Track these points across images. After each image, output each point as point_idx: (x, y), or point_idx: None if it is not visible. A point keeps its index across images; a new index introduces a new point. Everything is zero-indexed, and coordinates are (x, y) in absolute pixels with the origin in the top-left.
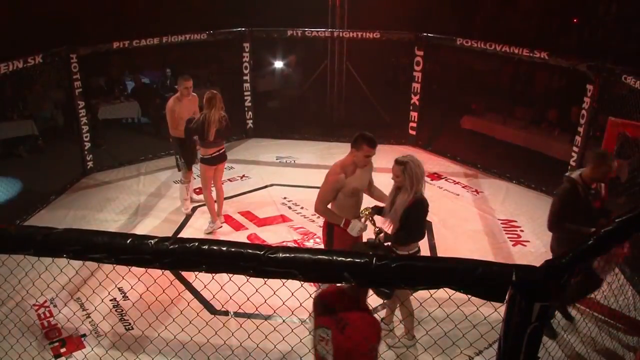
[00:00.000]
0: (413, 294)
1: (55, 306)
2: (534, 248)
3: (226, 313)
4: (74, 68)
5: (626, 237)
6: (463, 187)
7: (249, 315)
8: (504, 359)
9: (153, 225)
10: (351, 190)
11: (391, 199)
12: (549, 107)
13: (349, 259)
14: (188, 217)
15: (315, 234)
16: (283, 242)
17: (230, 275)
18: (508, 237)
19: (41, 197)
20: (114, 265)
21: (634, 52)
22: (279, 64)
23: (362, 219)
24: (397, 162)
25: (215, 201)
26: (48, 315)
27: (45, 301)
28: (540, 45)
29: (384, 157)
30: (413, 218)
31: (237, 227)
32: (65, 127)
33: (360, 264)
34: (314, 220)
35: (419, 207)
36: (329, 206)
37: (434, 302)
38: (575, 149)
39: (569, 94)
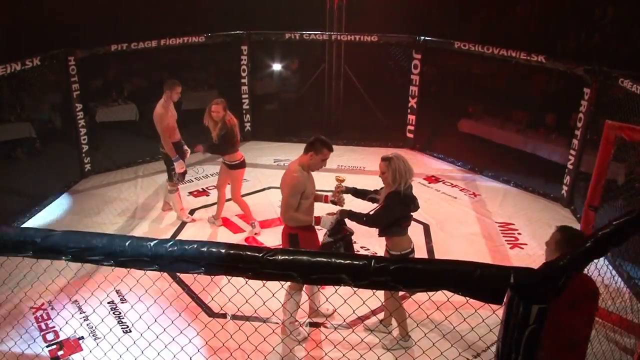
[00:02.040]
0: (411, 297)
1: (53, 308)
2: (532, 251)
3: (224, 316)
4: (71, 71)
5: (623, 240)
6: (460, 190)
7: (247, 318)
8: None
9: (151, 227)
10: (310, 192)
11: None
12: (546, 110)
13: (347, 261)
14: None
15: None
16: (281, 244)
17: (229, 277)
18: (505, 240)
19: (39, 200)
20: (113, 267)
21: (631, 56)
22: (277, 67)
23: (334, 192)
24: (383, 158)
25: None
26: (46, 317)
27: (43, 303)
28: (538, 49)
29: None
30: (386, 205)
31: (235, 229)
32: (62, 129)
33: (358, 266)
34: None
35: (395, 197)
36: None
37: (432, 304)
38: (572, 152)
39: (566, 98)
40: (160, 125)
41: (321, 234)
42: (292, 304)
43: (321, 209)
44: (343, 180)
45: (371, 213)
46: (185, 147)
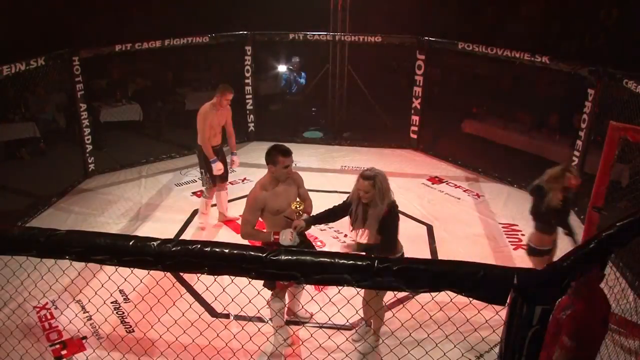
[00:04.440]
0: (414, 297)
1: (56, 308)
2: None
3: (227, 316)
4: (76, 70)
5: (627, 241)
6: (464, 190)
7: (250, 318)
8: None
9: (154, 227)
10: (276, 208)
11: (361, 214)
12: (550, 111)
13: (350, 262)
14: (189, 220)
15: (317, 238)
16: None
17: (232, 277)
18: (509, 241)
19: (42, 200)
20: (117, 267)
21: (635, 57)
22: (281, 68)
23: (291, 213)
24: (365, 177)
25: None
26: (49, 317)
27: (47, 303)
28: (542, 50)
29: (386, 161)
30: (392, 224)
31: (239, 230)
32: (67, 129)
33: (361, 266)
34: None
35: (395, 212)
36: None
37: (436, 305)
38: (576, 153)
39: (570, 99)
40: (202, 123)
41: None
42: (275, 307)
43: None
44: (300, 208)
45: (386, 241)
46: (235, 156)
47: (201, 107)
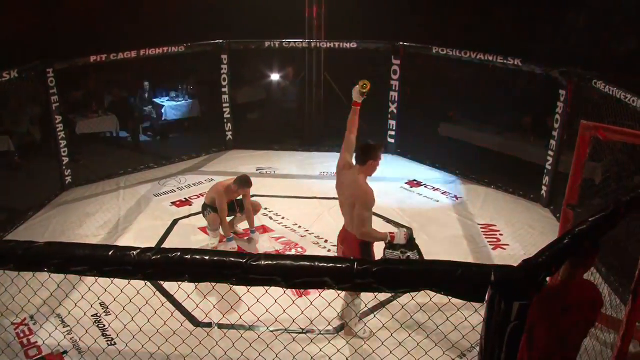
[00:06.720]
0: (396, 299)
1: (35, 323)
2: (514, 251)
3: (209, 324)
4: (50, 83)
5: (600, 236)
6: (442, 193)
7: (232, 325)
8: (486, 359)
9: (134, 238)
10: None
11: None
12: (524, 113)
13: (330, 265)
14: (169, 230)
15: (297, 244)
16: (265, 252)
17: (213, 284)
18: (488, 242)
19: (19, 214)
20: (97, 278)
21: (603, 58)
22: (258, 76)
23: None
24: None
25: None
26: (28, 333)
27: (25, 318)
28: (514, 53)
29: None
30: None
31: (219, 238)
32: (42, 142)
33: (341, 269)
34: (295, 230)
35: None
36: None
37: (416, 306)
38: (550, 153)
39: (543, 100)
40: (221, 205)
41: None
42: (353, 309)
43: None
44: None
45: None
46: (255, 234)
47: (218, 187)
